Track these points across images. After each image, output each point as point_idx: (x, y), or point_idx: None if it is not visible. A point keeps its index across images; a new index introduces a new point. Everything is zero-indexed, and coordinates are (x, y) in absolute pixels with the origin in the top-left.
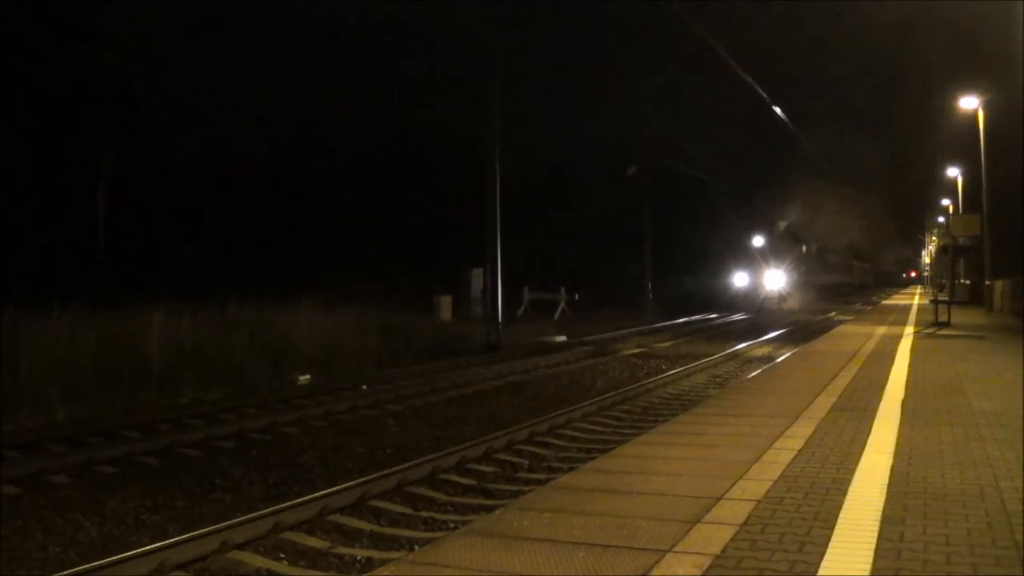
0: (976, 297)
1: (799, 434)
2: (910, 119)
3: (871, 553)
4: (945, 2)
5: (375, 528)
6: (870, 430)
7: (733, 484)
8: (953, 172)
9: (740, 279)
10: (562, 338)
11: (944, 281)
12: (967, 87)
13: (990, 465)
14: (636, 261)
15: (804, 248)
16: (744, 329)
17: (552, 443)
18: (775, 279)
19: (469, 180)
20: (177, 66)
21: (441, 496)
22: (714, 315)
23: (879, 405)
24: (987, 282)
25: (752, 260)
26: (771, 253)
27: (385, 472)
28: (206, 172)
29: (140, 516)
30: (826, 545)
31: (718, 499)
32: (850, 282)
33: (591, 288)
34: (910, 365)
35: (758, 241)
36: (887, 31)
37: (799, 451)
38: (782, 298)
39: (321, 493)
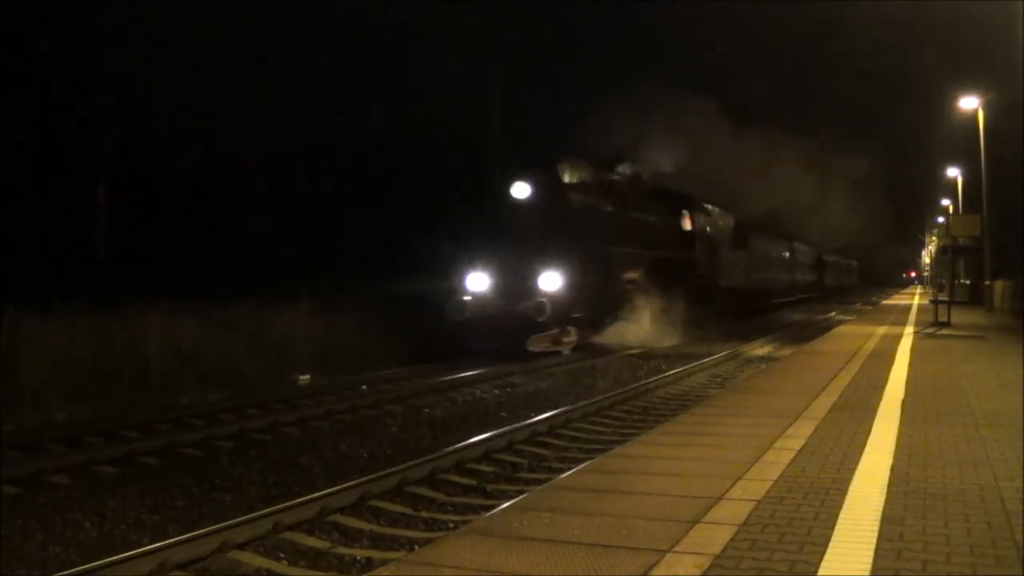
0: (976, 297)
1: (799, 434)
2: (910, 119)
3: (871, 553)
4: (945, 2)
5: (375, 528)
6: (870, 430)
7: (733, 484)
8: (953, 172)
9: (478, 282)
10: None
11: (944, 281)
12: (967, 87)
13: (990, 465)
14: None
15: (689, 221)
16: None
17: (552, 443)
18: (553, 282)
19: (470, 180)
20: (177, 66)
21: (441, 496)
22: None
23: (879, 405)
24: (987, 282)
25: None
26: (559, 227)
27: (385, 472)
28: (206, 171)
29: (140, 516)
30: (826, 545)
31: (718, 499)
32: (818, 282)
33: None
34: (910, 365)
35: (522, 192)
36: (888, 31)
37: (799, 451)
38: (572, 331)
39: (321, 493)
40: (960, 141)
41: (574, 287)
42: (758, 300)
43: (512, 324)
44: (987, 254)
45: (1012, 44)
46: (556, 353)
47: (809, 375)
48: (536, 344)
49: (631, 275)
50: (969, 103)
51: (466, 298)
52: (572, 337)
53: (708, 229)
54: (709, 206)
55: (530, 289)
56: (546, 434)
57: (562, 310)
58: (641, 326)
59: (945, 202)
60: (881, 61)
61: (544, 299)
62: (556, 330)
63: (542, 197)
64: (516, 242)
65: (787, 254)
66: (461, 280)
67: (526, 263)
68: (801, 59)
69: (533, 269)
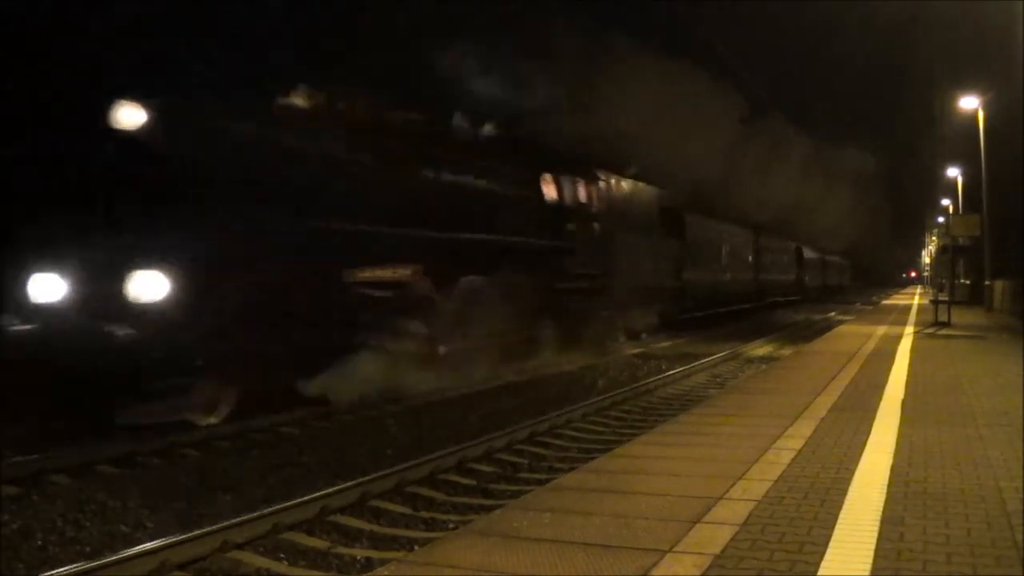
0: (976, 297)
1: (799, 434)
2: (911, 119)
3: (871, 553)
4: (945, 2)
5: (375, 528)
6: (870, 430)
7: (733, 484)
8: (953, 172)
9: (46, 289)
10: None
11: (944, 281)
12: (967, 87)
13: (990, 465)
14: None
15: (554, 190)
16: None
17: (552, 443)
18: (155, 289)
19: None
20: (177, 66)
21: (441, 496)
22: None
23: (879, 405)
24: (987, 282)
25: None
26: (181, 184)
27: (385, 472)
28: None
29: (140, 516)
30: (826, 545)
31: (718, 499)
32: (797, 283)
33: None
34: (910, 365)
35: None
36: (888, 31)
37: (799, 451)
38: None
39: (321, 493)
40: (960, 141)
41: (210, 297)
42: (699, 306)
43: (95, 368)
44: (987, 254)
45: (1012, 44)
46: (184, 426)
47: (809, 375)
48: (130, 415)
49: (402, 272)
50: (969, 103)
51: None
52: (214, 397)
53: (597, 205)
54: (603, 172)
55: (122, 303)
56: (546, 434)
57: (178, 343)
58: (417, 360)
59: (945, 202)
60: (881, 61)
61: (132, 325)
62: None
63: (159, 130)
64: (105, 216)
65: (751, 248)
66: (22, 285)
67: (120, 255)
68: (801, 59)
69: (128, 266)
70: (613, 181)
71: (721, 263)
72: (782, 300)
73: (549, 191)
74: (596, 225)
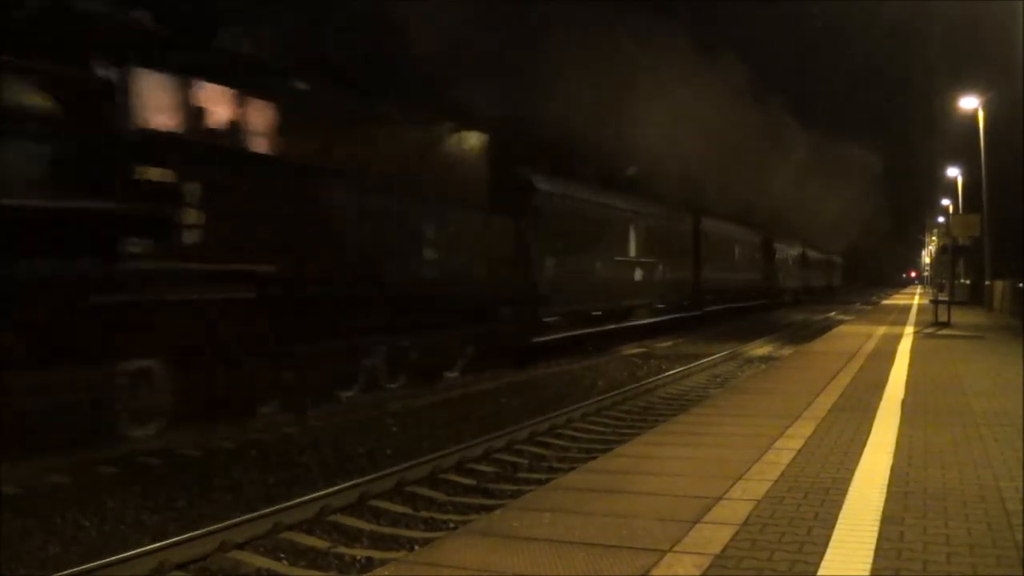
0: (976, 297)
1: (799, 434)
2: (911, 118)
3: (871, 553)
4: (945, 2)
5: (375, 528)
6: (870, 430)
7: (733, 484)
8: (953, 172)
9: None
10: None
11: (944, 281)
12: (967, 87)
13: (990, 465)
14: None
15: (136, 99)
16: None
17: (552, 443)
18: None
19: None
20: None
21: (441, 496)
22: None
23: (879, 405)
24: (987, 282)
25: None
26: None
27: (385, 472)
28: None
29: (140, 516)
30: (826, 545)
31: (718, 499)
32: (765, 283)
33: None
34: (910, 365)
35: None
36: (888, 31)
37: (799, 451)
38: None
39: (321, 493)
40: (960, 141)
41: None
42: (578, 320)
43: None
44: (987, 254)
45: (1012, 44)
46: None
47: (809, 375)
48: None
49: None
50: (969, 103)
51: None
52: None
53: (283, 138)
54: (309, 83)
55: None
56: (546, 434)
57: None
58: None
59: (945, 202)
60: (881, 61)
61: None
62: None
63: None
64: None
65: (689, 237)
66: None
67: None
68: (801, 59)
69: None
70: (334, 99)
71: (627, 255)
72: (740, 306)
73: (133, 110)
74: (278, 176)
